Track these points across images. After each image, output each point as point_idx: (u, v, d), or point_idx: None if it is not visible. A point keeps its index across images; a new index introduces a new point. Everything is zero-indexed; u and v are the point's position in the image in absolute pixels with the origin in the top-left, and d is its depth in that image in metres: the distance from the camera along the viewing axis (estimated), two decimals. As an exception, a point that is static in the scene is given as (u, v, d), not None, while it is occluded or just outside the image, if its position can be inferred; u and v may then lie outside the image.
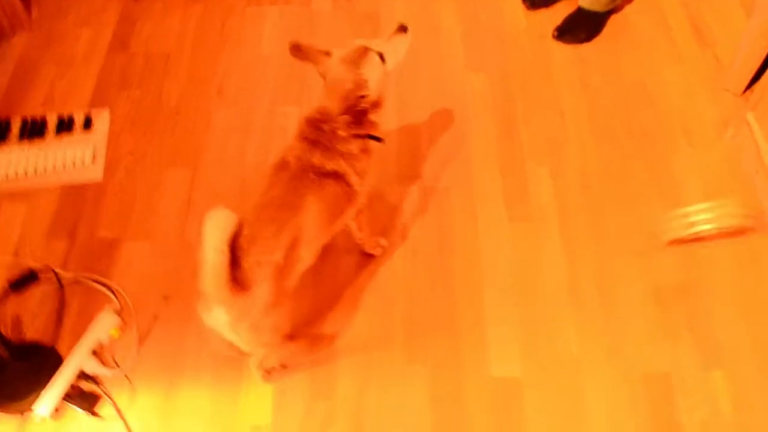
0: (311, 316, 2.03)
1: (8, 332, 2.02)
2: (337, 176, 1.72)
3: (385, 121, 2.38)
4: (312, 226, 1.67)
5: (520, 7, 2.76)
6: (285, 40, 2.63)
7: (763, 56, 2.34)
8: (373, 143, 1.80)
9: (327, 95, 1.73)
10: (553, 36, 2.66)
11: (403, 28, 1.84)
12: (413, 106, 2.48)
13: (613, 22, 2.72)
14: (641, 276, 2.09)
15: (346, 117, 1.70)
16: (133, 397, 1.92)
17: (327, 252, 2.13)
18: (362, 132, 1.75)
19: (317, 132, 1.72)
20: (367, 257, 2.13)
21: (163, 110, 2.49)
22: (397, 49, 1.83)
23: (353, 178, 1.75)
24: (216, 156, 2.36)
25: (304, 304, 2.05)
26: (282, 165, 1.72)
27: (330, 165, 1.71)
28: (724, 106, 2.45)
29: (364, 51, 1.75)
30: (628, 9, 2.76)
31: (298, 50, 1.76)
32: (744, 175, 2.29)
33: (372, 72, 1.75)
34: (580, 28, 2.65)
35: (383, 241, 2.14)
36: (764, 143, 2.22)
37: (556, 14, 2.73)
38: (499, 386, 1.91)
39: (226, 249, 1.48)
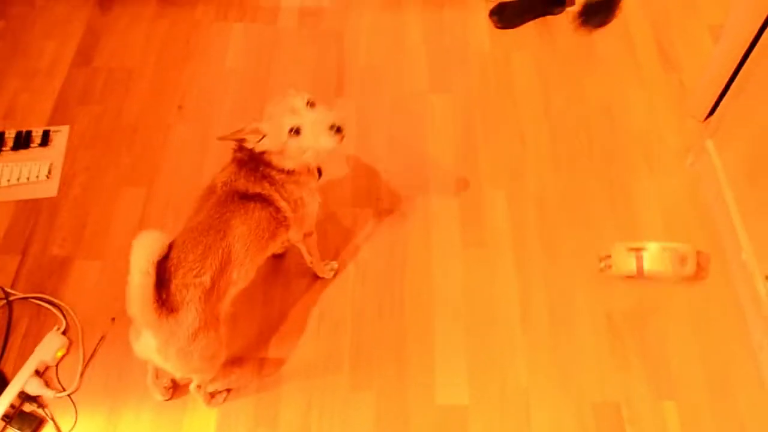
0: (257, 338, 2.01)
1: (-48, 351, 2.00)
2: (263, 200, 1.71)
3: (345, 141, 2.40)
4: (239, 248, 1.66)
5: (486, 30, 2.75)
6: (249, 57, 2.67)
7: (725, 83, 2.33)
8: (302, 176, 1.77)
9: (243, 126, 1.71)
10: (577, 23, 2.75)
11: (337, 129, 1.68)
12: (373, 125, 2.47)
13: (578, 44, 2.71)
14: (594, 303, 2.08)
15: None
16: (76, 420, 1.90)
17: (277, 274, 2.13)
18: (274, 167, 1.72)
19: (242, 153, 1.72)
20: (319, 280, 2.12)
21: (121, 126, 2.47)
22: (320, 140, 1.68)
23: (282, 204, 1.74)
24: (172, 174, 2.35)
25: (251, 327, 2.03)
26: (210, 189, 1.72)
27: (254, 188, 1.70)
28: (687, 132, 2.45)
29: (291, 110, 1.66)
30: (595, 34, 2.75)
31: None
32: (703, 203, 2.28)
33: (273, 133, 1.67)
34: (599, 11, 2.77)
35: (334, 264, 2.13)
36: (722, 172, 2.21)
37: (521, 37, 2.72)
38: (445, 414, 1.89)
39: (152, 271, 1.47)
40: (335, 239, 2.19)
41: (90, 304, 2.08)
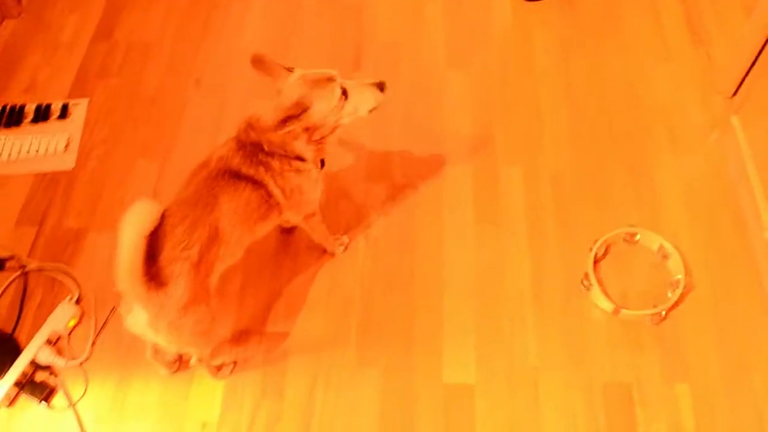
0: (265, 312, 2.01)
1: (-31, 319, 2.04)
2: (254, 182, 1.69)
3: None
4: (226, 225, 1.64)
5: (508, 6, 2.69)
6: (267, 33, 2.66)
7: (753, 58, 2.24)
8: (305, 165, 1.75)
9: (273, 106, 1.68)
10: None
11: (380, 86, 1.75)
12: (390, 101, 2.42)
13: (603, 17, 2.64)
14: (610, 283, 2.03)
15: (274, 133, 1.65)
16: (86, 388, 1.92)
17: (287, 247, 2.12)
18: (284, 152, 1.71)
19: (246, 135, 1.70)
20: (328, 255, 2.10)
21: (139, 100, 2.48)
22: (365, 99, 1.74)
23: (275, 190, 1.72)
24: (186, 148, 2.35)
25: (259, 300, 2.03)
26: (204, 163, 1.71)
27: (247, 170, 1.68)
28: (713, 108, 2.37)
29: (329, 78, 1.69)
30: (622, 8, 2.67)
31: (260, 63, 1.72)
32: (726, 180, 2.21)
33: (324, 101, 1.67)
34: None
35: (345, 239, 2.11)
36: (747, 149, 2.14)
37: (544, 13, 2.66)
38: (452, 392, 1.87)
39: (141, 243, 1.46)
40: (347, 214, 2.18)
41: (103, 275, 2.10)
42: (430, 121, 2.38)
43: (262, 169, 1.69)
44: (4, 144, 2.36)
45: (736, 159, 2.18)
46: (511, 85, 2.47)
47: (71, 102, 2.47)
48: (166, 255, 1.54)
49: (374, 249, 2.11)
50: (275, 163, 1.70)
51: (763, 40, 2.17)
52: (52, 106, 2.46)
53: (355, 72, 2.51)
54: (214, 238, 1.62)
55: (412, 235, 2.14)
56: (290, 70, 1.72)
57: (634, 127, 2.35)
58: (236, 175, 1.67)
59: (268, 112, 1.67)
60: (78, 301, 2.05)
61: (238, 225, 1.68)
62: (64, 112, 2.44)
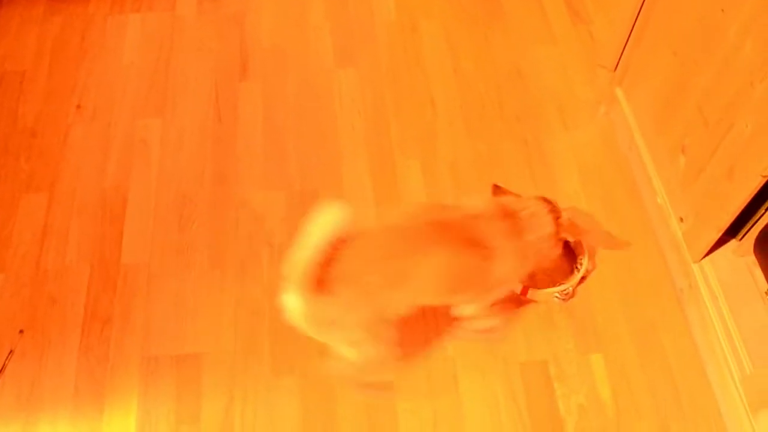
0: (174, 335, 1.94)
1: None
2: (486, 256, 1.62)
3: (251, 124, 2.34)
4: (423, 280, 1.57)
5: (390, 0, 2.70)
6: (148, 49, 2.58)
7: (629, 29, 2.32)
8: None
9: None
10: None
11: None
12: (281, 106, 2.40)
13: (486, 5, 2.68)
14: (515, 264, 2.05)
15: None
16: (-13, 440, 1.81)
17: (187, 269, 2.05)
18: None
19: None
20: (231, 270, 2.05)
21: (18, 131, 2.36)
22: None
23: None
24: (74, 176, 2.25)
25: (166, 324, 1.96)
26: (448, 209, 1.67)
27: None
28: (599, 83, 2.42)
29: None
30: (500, -11, 2.72)
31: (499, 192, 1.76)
32: (617, 152, 2.27)
33: None
34: None
35: None
36: (633, 118, 2.21)
37: (428, 3, 2.68)
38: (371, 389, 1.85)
39: (325, 249, 1.40)
40: (247, 225, 2.13)
41: (-6, 320, 1.99)
42: (324, 122, 2.36)
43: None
44: None
45: (623, 129, 2.24)
46: (401, 77, 2.47)
47: (-56, 140, 2.33)
48: (349, 271, 1.46)
49: (278, 258, 2.07)
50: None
51: (636, 13, 2.24)
52: (-76, 147, 2.31)
53: (242, 82, 2.46)
54: (398, 284, 1.54)
55: (316, 238, 2.10)
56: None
57: (525, 108, 2.39)
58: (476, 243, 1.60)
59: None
60: (-30, 349, 1.93)
61: (441, 285, 1.63)
62: (-64, 152, 2.30)
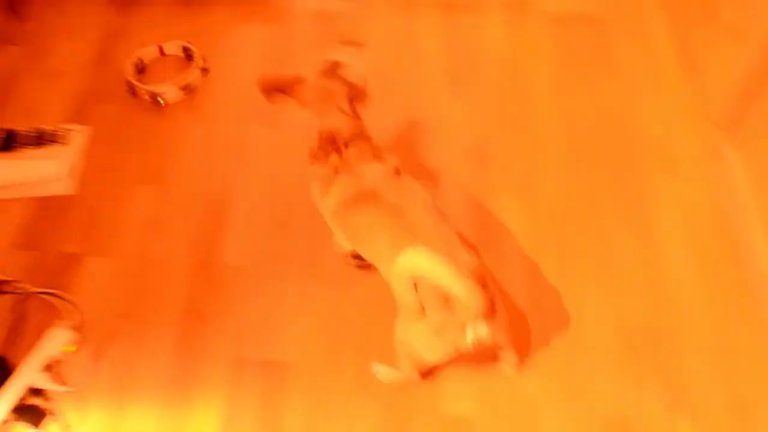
0: (266, 340, 2.01)
1: (-36, 344, 2.03)
2: None
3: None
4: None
5: (502, 35, 2.72)
6: (262, 60, 2.68)
7: (746, 86, 2.28)
8: None
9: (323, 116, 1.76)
10: None
11: (354, 43, 1.86)
12: (386, 132, 2.45)
13: (595, 45, 2.67)
14: (607, 313, 2.03)
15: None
16: (82, 416, 1.91)
17: (286, 276, 2.12)
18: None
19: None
20: (327, 283, 2.10)
21: (136, 126, 2.49)
22: (355, 61, 1.83)
23: None
24: (183, 174, 2.36)
25: (259, 328, 2.03)
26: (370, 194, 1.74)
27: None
28: (707, 137, 2.39)
29: (334, 63, 1.79)
30: (612, 33, 2.71)
31: (267, 86, 1.81)
32: (722, 210, 2.23)
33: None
34: None
35: None
36: (743, 178, 2.16)
37: (538, 41, 2.69)
38: (450, 424, 1.86)
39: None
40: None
41: (101, 300, 2.10)
42: (426, 148, 2.40)
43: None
44: (3, 168, 2.36)
45: (731, 187, 2.20)
46: (507, 111, 2.49)
47: (71, 127, 2.48)
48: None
49: (374, 274, 2.11)
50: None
51: (756, 68, 2.20)
52: (52, 132, 2.46)
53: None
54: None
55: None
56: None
57: (629, 153, 2.37)
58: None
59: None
60: (75, 328, 2.04)
61: None
62: (64, 138, 2.44)
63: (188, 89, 2.57)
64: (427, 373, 1.90)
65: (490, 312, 1.55)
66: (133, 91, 2.55)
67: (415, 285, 1.55)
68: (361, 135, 1.77)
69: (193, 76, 2.58)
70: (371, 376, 1.93)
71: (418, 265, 1.51)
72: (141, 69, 2.65)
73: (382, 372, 1.90)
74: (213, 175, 2.35)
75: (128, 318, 2.06)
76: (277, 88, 1.77)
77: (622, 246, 2.16)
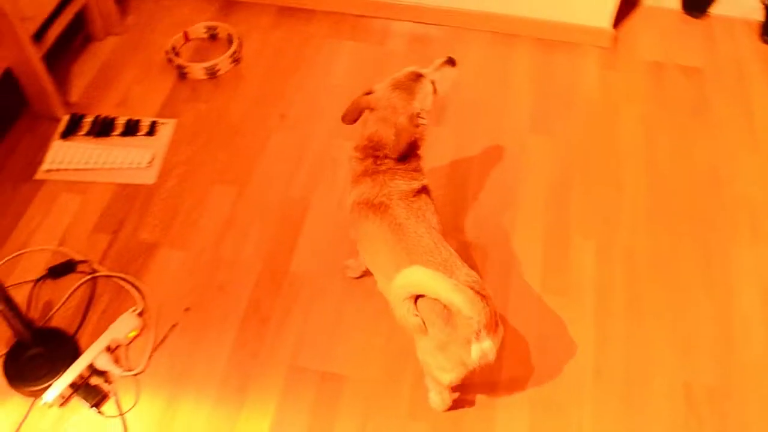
0: (324, 351, 2.01)
1: (37, 315, 2.09)
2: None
3: (438, 165, 2.39)
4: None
5: (596, 77, 2.69)
6: (355, 75, 2.71)
7: None
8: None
9: (378, 124, 1.77)
10: (763, 40, 2.74)
11: (451, 61, 1.86)
12: (467, 157, 2.45)
13: (690, 98, 2.62)
14: (674, 370, 1.97)
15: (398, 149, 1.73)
16: (137, 400, 1.94)
17: (353, 290, 2.12)
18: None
19: (370, 164, 1.78)
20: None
21: (224, 126, 2.55)
22: (445, 79, 1.84)
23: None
24: (264, 179, 2.39)
25: (319, 339, 2.03)
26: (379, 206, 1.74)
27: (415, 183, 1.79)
28: (800, 204, 2.31)
29: (417, 77, 1.78)
30: (711, 91, 2.65)
31: (349, 119, 1.84)
32: (807, 281, 2.14)
33: (425, 100, 1.78)
34: None
35: None
36: (833, 251, 2.07)
37: (632, 88, 2.65)
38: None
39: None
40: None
41: (168, 291, 2.14)
42: (507, 182, 2.38)
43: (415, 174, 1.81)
44: (92, 152, 2.44)
45: (820, 260, 2.11)
46: (593, 154, 2.45)
47: (160, 121, 2.55)
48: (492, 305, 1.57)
49: (437, 302, 2.09)
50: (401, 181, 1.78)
51: None
52: (141, 122, 2.54)
53: (437, 126, 2.53)
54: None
55: (476, 293, 2.11)
56: (370, 92, 1.81)
57: (715, 213, 2.30)
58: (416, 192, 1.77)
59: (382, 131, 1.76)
60: (141, 314, 2.09)
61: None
62: (152, 130, 2.52)
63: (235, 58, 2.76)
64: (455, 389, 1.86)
65: (493, 325, 1.53)
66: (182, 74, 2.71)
67: (416, 303, 1.55)
68: (402, 153, 1.76)
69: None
70: (426, 402, 1.90)
71: (415, 281, 1.51)
72: (177, 53, 2.81)
73: (433, 399, 1.88)
74: (293, 184, 2.38)
75: (192, 311, 2.09)
76: (356, 114, 1.82)
77: (696, 305, 2.09)
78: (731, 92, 2.65)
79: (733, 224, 2.27)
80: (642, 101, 2.62)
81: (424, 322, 1.56)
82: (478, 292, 1.50)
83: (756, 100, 2.62)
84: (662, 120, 2.56)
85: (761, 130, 2.53)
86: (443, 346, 1.59)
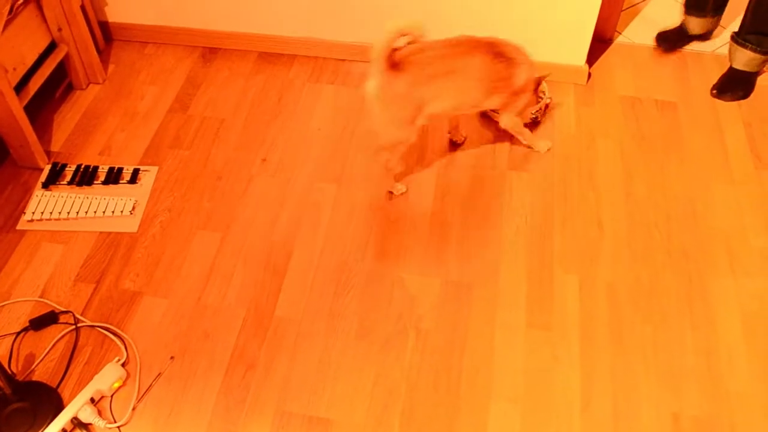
0: (310, 396, 2.00)
1: (19, 368, 2.07)
2: (509, 65, 2.28)
3: (419, 207, 2.41)
4: (467, 77, 2.25)
5: (572, 112, 2.74)
6: (335, 119, 2.75)
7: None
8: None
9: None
10: (712, 95, 2.83)
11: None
12: (449, 195, 2.47)
13: (666, 133, 2.67)
14: (661, 402, 1.97)
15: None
16: (121, 453, 1.92)
17: (337, 334, 2.12)
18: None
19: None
20: (376, 344, 2.09)
21: (207, 173, 2.56)
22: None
23: (516, 84, 2.34)
24: (247, 224, 2.40)
25: (305, 384, 2.02)
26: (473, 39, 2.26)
27: (510, 55, 2.29)
28: (776, 234, 2.34)
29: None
30: (684, 123, 2.70)
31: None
32: (788, 310, 2.16)
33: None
34: (737, 87, 2.82)
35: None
36: (811, 280, 2.10)
37: (608, 122, 2.70)
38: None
39: (397, 39, 2.00)
40: (399, 305, 2.18)
41: (152, 340, 2.12)
42: (489, 220, 2.40)
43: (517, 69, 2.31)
44: (74, 201, 2.44)
45: (798, 288, 2.14)
46: (572, 190, 2.49)
47: (142, 168, 2.56)
48: (408, 55, 2.13)
49: (423, 343, 2.09)
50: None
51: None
52: (124, 170, 2.55)
53: (417, 165, 2.56)
54: (448, 74, 2.21)
55: (462, 333, 2.12)
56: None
57: (693, 245, 2.33)
58: (499, 54, 2.25)
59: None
60: (125, 364, 2.07)
61: (476, 82, 2.26)
62: (134, 177, 2.53)
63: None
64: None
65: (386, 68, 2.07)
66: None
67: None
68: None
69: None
70: (414, 445, 1.89)
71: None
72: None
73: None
74: (276, 228, 2.39)
75: (177, 360, 2.08)
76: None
77: (680, 336, 2.10)
78: (704, 125, 2.70)
79: (711, 255, 2.30)
80: (618, 136, 2.67)
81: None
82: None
83: (728, 132, 2.67)
84: (639, 154, 2.60)
85: (736, 163, 2.57)
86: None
